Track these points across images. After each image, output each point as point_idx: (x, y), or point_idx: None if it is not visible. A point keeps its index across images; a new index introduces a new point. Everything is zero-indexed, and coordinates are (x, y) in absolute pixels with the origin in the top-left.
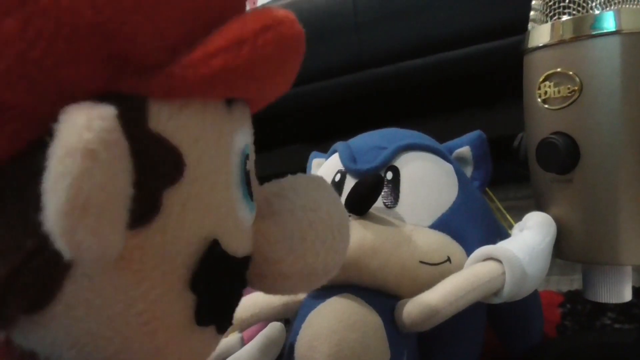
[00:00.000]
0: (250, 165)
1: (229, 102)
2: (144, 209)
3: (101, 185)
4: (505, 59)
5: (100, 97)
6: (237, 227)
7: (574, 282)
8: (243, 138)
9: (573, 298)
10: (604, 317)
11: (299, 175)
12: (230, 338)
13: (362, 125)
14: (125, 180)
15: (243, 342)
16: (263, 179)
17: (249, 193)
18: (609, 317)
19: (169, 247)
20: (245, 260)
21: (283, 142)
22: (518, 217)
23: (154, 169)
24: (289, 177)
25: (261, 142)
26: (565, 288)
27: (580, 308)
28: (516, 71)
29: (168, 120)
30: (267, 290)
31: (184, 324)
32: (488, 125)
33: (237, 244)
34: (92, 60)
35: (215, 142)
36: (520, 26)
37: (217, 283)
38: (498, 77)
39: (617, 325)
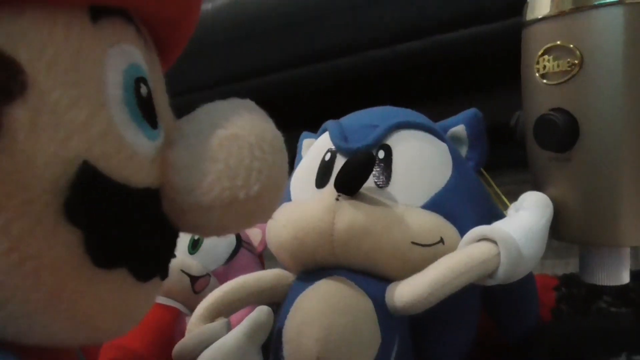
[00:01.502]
0: (156, 91)
1: (97, 15)
2: None
3: None
4: (505, 42)
5: None
6: (123, 151)
7: (569, 266)
8: (126, 57)
9: (568, 281)
10: (599, 301)
11: (219, 100)
12: (216, 323)
13: (357, 109)
14: None
15: (230, 327)
16: None
17: (148, 119)
18: (604, 300)
19: (23, 171)
20: (149, 193)
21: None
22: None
23: None
24: (209, 103)
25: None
26: (560, 271)
27: (575, 291)
28: (516, 54)
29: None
30: (197, 230)
31: (76, 264)
32: (486, 109)
33: (126, 171)
34: None
35: (73, 54)
36: (521, 7)
37: (106, 214)
38: (497, 60)
39: (613, 309)
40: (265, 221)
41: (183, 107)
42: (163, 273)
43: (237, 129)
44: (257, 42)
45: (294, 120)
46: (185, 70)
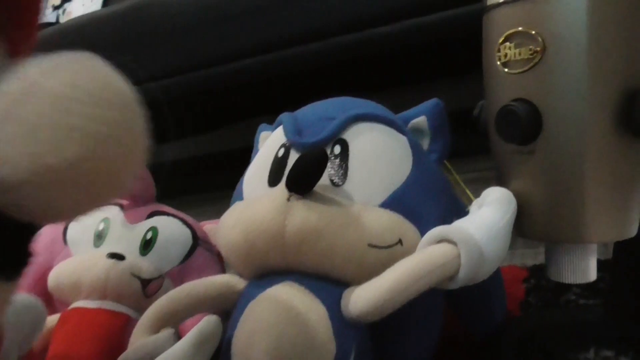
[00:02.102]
0: None
1: None
2: None
3: None
4: (469, 27)
5: None
6: None
7: (538, 256)
8: None
9: (537, 273)
10: (568, 293)
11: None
12: (161, 334)
13: (324, 96)
14: None
15: (177, 338)
16: (227, 153)
17: None
18: (574, 292)
19: None
20: None
21: (246, 115)
22: (483, 189)
23: None
24: None
25: (226, 115)
26: (530, 262)
27: (544, 283)
28: (478, 40)
29: None
30: (31, 215)
31: None
32: (448, 96)
33: None
34: None
35: None
36: None
37: None
38: (461, 46)
39: (582, 301)
40: (115, 195)
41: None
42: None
43: (39, 79)
44: (221, 28)
45: (258, 109)
46: (152, 57)
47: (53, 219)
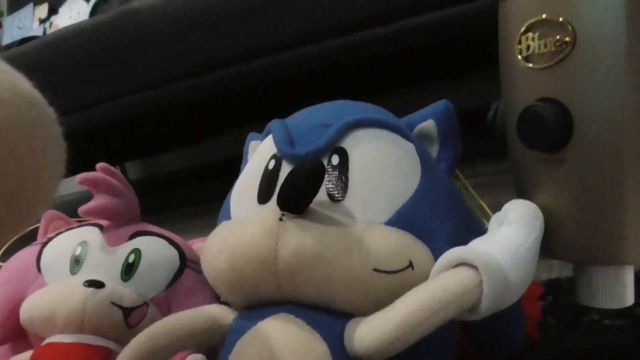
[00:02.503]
0: None
1: None
2: None
3: None
4: (473, 25)
5: None
6: None
7: (552, 268)
8: None
9: (554, 289)
10: (591, 312)
11: None
12: None
13: (319, 101)
14: None
15: None
16: (213, 164)
17: None
18: (597, 312)
19: None
20: None
21: (238, 123)
22: (489, 196)
23: None
24: None
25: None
26: (543, 275)
27: (563, 301)
28: (486, 37)
29: None
30: None
31: None
32: (454, 95)
33: None
34: None
35: None
36: None
37: None
38: (465, 44)
39: (606, 322)
40: (29, 216)
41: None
42: None
43: None
44: (210, 33)
45: (249, 116)
46: (138, 65)
47: None
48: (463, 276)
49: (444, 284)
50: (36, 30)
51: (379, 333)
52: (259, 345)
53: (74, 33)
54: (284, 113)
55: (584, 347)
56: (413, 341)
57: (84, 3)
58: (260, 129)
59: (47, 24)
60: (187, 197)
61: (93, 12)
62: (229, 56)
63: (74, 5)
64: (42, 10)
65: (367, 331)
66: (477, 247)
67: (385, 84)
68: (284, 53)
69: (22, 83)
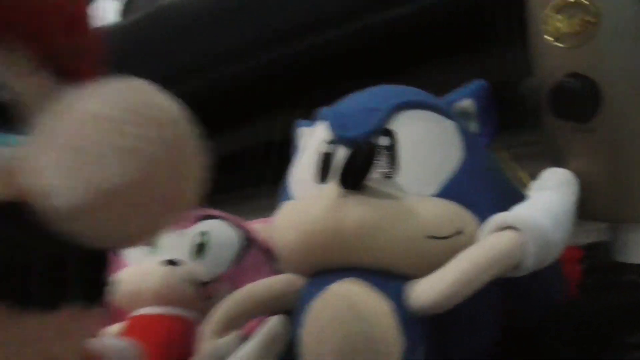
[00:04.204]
0: (26, 95)
1: None
2: None
3: None
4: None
5: None
6: None
7: (590, 234)
8: None
9: (594, 252)
10: (629, 272)
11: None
12: (228, 338)
13: (352, 84)
14: None
15: (242, 340)
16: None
17: (4, 121)
18: (635, 271)
19: None
20: (7, 207)
21: (270, 109)
22: (523, 167)
23: None
24: None
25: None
26: (581, 240)
27: (602, 263)
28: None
29: None
30: (86, 240)
31: None
32: (484, 72)
33: None
34: None
35: None
36: None
37: None
38: (490, 16)
39: None
40: (175, 216)
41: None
42: (80, 296)
43: (87, 105)
44: (242, 20)
45: (286, 101)
46: (173, 60)
47: (120, 244)
48: (508, 238)
49: (491, 245)
50: None
51: (436, 290)
52: (331, 306)
53: (109, 34)
54: (319, 97)
55: (621, 304)
56: (466, 296)
57: (113, 1)
58: (295, 114)
59: None
60: (226, 183)
61: (124, 10)
62: (261, 43)
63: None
64: None
65: (425, 289)
66: (519, 212)
67: (418, 61)
68: (315, 37)
69: (169, 101)
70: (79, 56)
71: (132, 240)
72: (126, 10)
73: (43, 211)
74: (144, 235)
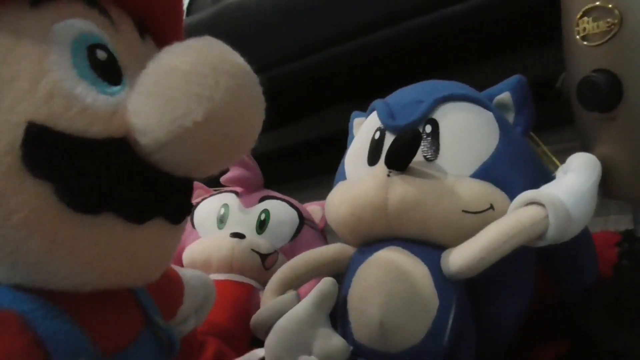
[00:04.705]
0: (123, 52)
1: (36, 1)
2: None
3: None
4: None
5: None
6: (75, 107)
7: (607, 223)
8: (75, 30)
9: (631, 237)
10: None
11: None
12: (286, 295)
13: (404, 79)
14: None
15: (299, 298)
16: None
17: (107, 77)
18: None
19: None
20: (113, 141)
21: (331, 103)
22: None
23: None
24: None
25: (309, 105)
26: (624, 227)
27: (638, 246)
28: (548, 12)
29: None
30: (179, 169)
31: (54, 212)
32: (528, 69)
33: (80, 124)
34: None
35: (12, 37)
36: None
37: (66, 165)
38: (539, 18)
39: None
40: (241, 153)
41: None
42: (168, 215)
43: (172, 60)
44: (302, 20)
45: (340, 96)
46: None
47: (197, 173)
48: (532, 211)
49: (518, 217)
50: None
51: (467, 254)
52: (377, 268)
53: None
54: (376, 92)
55: None
56: (494, 261)
57: None
58: (354, 107)
59: None
60: (287, 173)
61: (189, 8)
62: (321, 41)
63: None
64: None
65: (458, 254)
66: (544, 189)
67: (465, 59)
68: (370, 35)
69: (238, 56)
70: (165, 21)
71: (206, 169)
72: (190, 8)
73: (140, 144)
74: (215, 166)
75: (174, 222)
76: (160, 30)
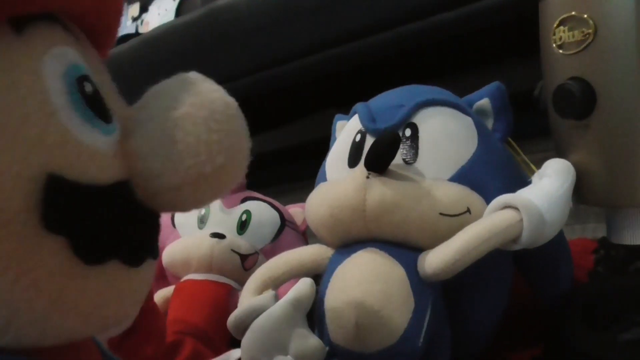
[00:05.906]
0: (102, 83)
1: (20, 26)
2: None
3: None
4: (518, 12)
5: None
6: (84, 154)
7: (586, 231)
8: (61, 60)
9: (607, 244)
10: (638, 261)
11: (165, 80)
12: (264, 295)
13: (389, 86)
14: None
15: (277, 298)
16: (301, 145)
17: (100, 115)
18: None
19: None
20: (119, 186)
21: (318, 107)
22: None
23: None
24: (155, 85)
25: (297, 109)
26: (602, 235)
27: (614, 253)
28: (530, 25)
29: None
30: (175, 208)
31: (68, 267)
32: (508, 79)
33: (91, 172)
34: None
35: (6, 73)
36: None
37: (83, 217)
38: (513, 30)
39: None
40: (235, 185)
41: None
42: (153, 254)
43: (188, 107)
44: (288, 27)
45: (327, 101)
46: (228, 60)
47: (190, 209)
48: (507, 215)
49: (493, 220)
50: (129, 28)
51: (443, 257)
52: (354, 270)
53: (165, 32)
54: (361, 97)
55: (626, 287)
56: (469, 262)
57: (171, 1)
58: (334, 113)
59: (138, 22)
60: (275, 176)
61: (179, 9)
62: (309, 46)
63: (162, 3)
64: (134, 9)
65: (434, 256)
66: (519, 194)
67: (448, 68)
68: (358, 41)
69: (229, 96)
70: (109, 35)
71: (195, 207)
72: (179, 9)
73: (142, 188)
74: (204, 203)
75: (155, 258)
76: (97, 27)
